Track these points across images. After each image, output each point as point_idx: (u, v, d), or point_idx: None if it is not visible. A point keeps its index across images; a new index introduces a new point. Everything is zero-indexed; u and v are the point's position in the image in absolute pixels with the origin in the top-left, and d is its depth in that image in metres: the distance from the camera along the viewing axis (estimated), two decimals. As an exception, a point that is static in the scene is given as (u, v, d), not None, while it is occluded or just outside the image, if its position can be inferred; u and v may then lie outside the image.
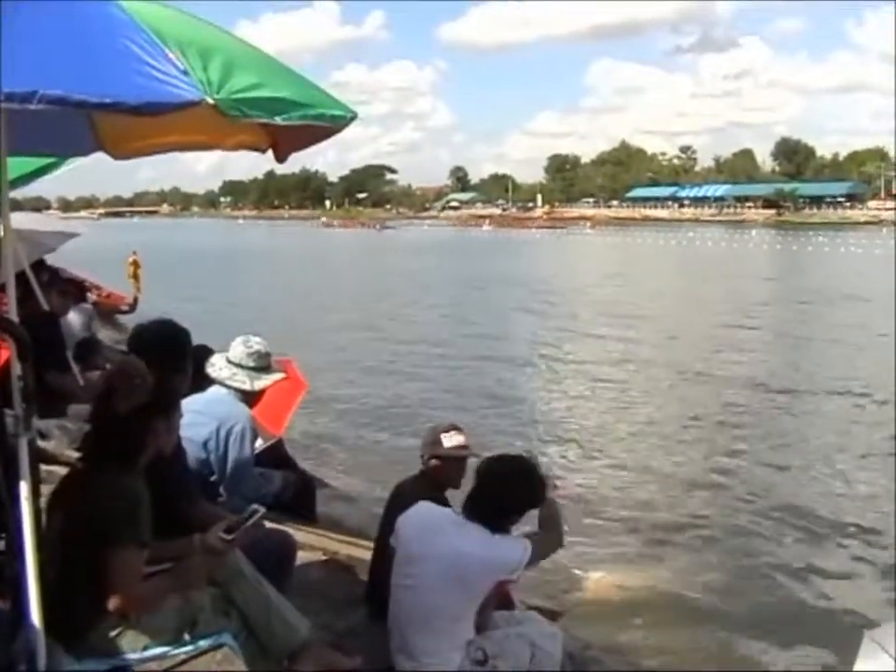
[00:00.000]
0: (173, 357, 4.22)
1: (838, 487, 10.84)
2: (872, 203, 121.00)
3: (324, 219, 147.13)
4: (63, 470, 4.09)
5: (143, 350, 4.04)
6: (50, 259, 9.70)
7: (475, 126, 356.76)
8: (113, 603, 3.11)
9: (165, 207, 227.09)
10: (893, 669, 2.92)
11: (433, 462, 4.73)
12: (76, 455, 3.70)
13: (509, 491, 3.96)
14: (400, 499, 4.64)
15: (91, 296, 18.96)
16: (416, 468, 4.90)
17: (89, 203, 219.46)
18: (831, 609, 7.56)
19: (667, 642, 6.94)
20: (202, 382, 5.12)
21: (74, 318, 9.28)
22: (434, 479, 4.72)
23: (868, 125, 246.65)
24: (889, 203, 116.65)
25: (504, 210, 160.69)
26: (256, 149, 3.73)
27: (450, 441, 4.71)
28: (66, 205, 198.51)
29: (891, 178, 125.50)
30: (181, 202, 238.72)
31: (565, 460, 12.01)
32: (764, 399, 15.89)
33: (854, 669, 3.07)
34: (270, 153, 3.67)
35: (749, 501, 10.31)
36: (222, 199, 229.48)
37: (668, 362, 19.64)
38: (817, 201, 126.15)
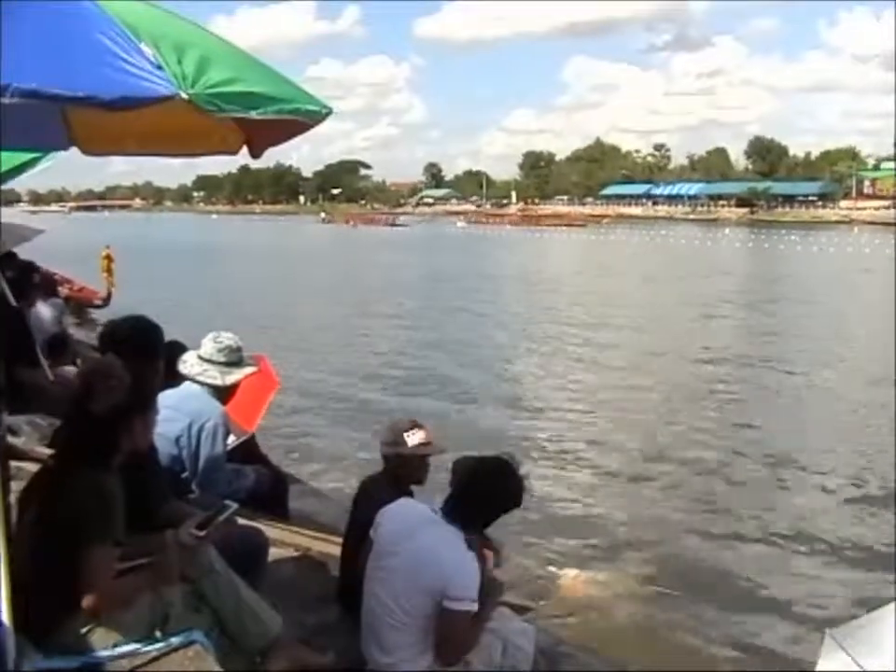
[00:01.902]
0: (146, 354, 4.19)
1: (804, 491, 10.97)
2: (843, 203, 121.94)
3: (323, 214, 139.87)
4: (33, 467, 4.06)
5: (116, 347, 4.01)
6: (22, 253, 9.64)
7: (450, 122, 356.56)
8: (86, 601, 3.09)
9: (138, 201, 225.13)
10: (853, 670, 2.94)
11: (397, 461, 4.68)
12: (46, 451, 3.68)
13: (490, 493, 3.96)
14: (366, 496, 4.64)
15: (63, 290, 18.85)
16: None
17: (60, 197, 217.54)
18: (798, 608, 7.62)
19: (641, 639, 6.99)
20: (174, 378, 5.09)
21: (44, 312, 9.22)
22: (399, 476, 4.69)
23: (839, 125, 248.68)
24: (861, 203, 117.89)
25: (478, 207, 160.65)
26: (227, 152, 3.72)
27: (413, 438, 4.64)
28: (37, 198, 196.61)
29: (863, 178, 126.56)
30: (154, 196, 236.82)
31: (539, 456, 12.05)
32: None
33: (816, 670, 3.09)
34: (243, 150, 3.66)
35: (722, 499, 10.40)
36: (195, 193, 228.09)
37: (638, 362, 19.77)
38: (789, 199, 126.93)
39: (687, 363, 19.76)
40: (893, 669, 2.93)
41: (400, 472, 4.68)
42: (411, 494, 4.62)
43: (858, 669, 2.97)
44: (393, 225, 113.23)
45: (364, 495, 4.75)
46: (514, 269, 45.97)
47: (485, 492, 3.96)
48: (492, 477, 4.01)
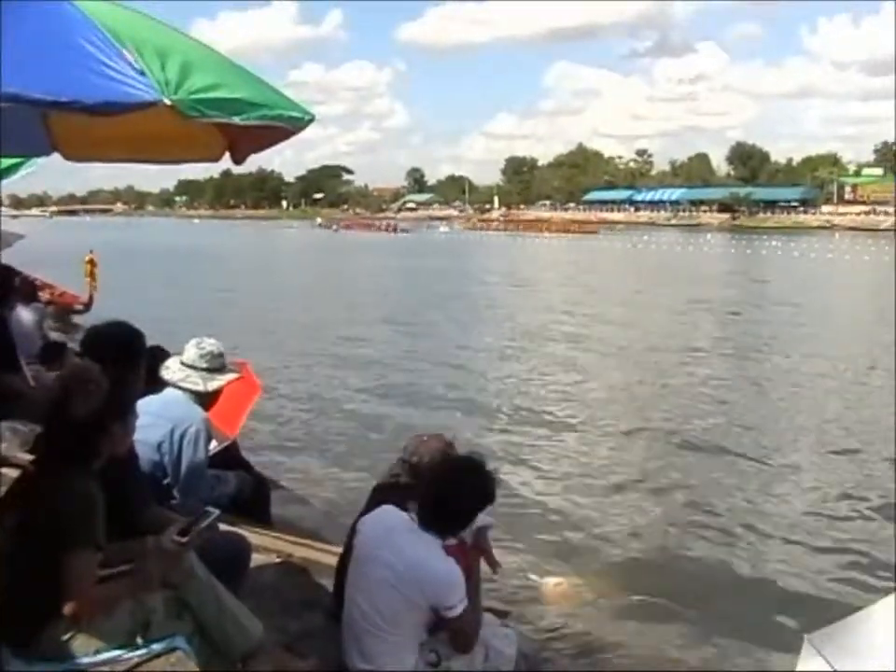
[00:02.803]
0: (127, 360, 4.19)
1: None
2: (825, 209, 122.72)
3: (319, 220, 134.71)
4: (13, 473, 4.05)
5: (97, 352, 4.00)
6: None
7: (433, 127, 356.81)
8: (67, 607, 3.08)
9: (119, 206, 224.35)
10: None
11: (413, 472, 4.64)
12: (27, 457, 3.66)
13: (459, 494, 3.95)
14: (375, 500, 4.61)
15: (44, 295, 18.76)
16: (372, 470, 4.87)
17: (41, 201, 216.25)
18: (782, 611, 7.65)
19: (622, 644, 7.00)
20: (157, 384, 5.08)
21: (26, 317, 9.18)
22: (412, 485, 4.67)
23: (820, 131, 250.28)
24: (842, 209, 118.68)
25: (461, 212, 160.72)
26: (210, 159, 3.72)
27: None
28: (18, 203, 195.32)
29: (844, 184, 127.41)
30: (135, 200, 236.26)
31: (520, 460, 12.07)
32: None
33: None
34: (226, 156, 3.66)
35: (704, 502, 10.42)
36: (177, 198, 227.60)
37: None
38: (771, 205, 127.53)
39: (672, 357, 19.98)
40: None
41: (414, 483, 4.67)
42: None
43: (835, 673, 2.98)
44: (395, 231, 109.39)
45: (376, 500, 4.70)
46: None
47: (456, 494, 3.95)
48: (461, 478, 4.00)
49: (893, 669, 2.93)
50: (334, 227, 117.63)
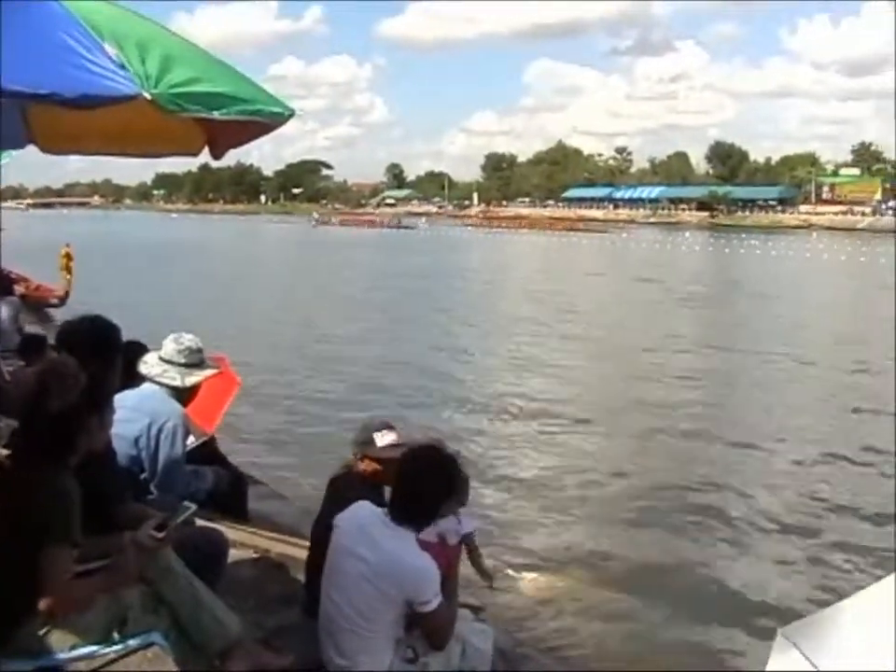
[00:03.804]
0: (104, 354, 4.17)
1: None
2: (803, 208, 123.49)
3: (316, 215, 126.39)
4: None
5: (73, 346, 3.99)
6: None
7: (413, 123, 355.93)
8: (43, 603, 3.07)
9: (97, 199, 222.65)
10: (806, 670, 2.95)
11: (366, 461, 4.70)
12: (3, 452, 3.64)
13: (425, 484, 3.92)
14: (337, 495, 4.62)
15: (19, 288, 18.65)
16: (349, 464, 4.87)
17: (17, 193, 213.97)
18: (753, 607, 7.70)
19: (599, 641, 7.03)
20: (135, 379, 5.07)
21: (2, 312, 9.12)
22: (368, 477, 4.69)
23: (799, 130, 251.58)
24: (820, 208, 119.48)
25: (440, 208, 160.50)
26: (189, 153, 3.70)
27: (382, 440, 4.67)
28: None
29: (822, 184, 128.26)
30: (113, 194, 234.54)
31: (497, 458, 12.10)
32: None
33: (767, 669, 3.08)
34: (205, 150, 3.65)
35: (681, 499, 10.48)
36: (155, 192, 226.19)
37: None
38: (749, 204, 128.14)
39: (648, 355, 20.11)
40: (847, 669, 2.95)
41: (369, 473, 4.67)
42: (382, 495, 4.61)
43: (811, 669, 2.97)
44: (399, 227, 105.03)
45: (334, 494, 4.72)
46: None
47: (419, 483, 3.93)
48: (421, 466, 3.99)
49: (869, 662, 2.95)
50: (312, 222, 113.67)
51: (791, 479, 11.37)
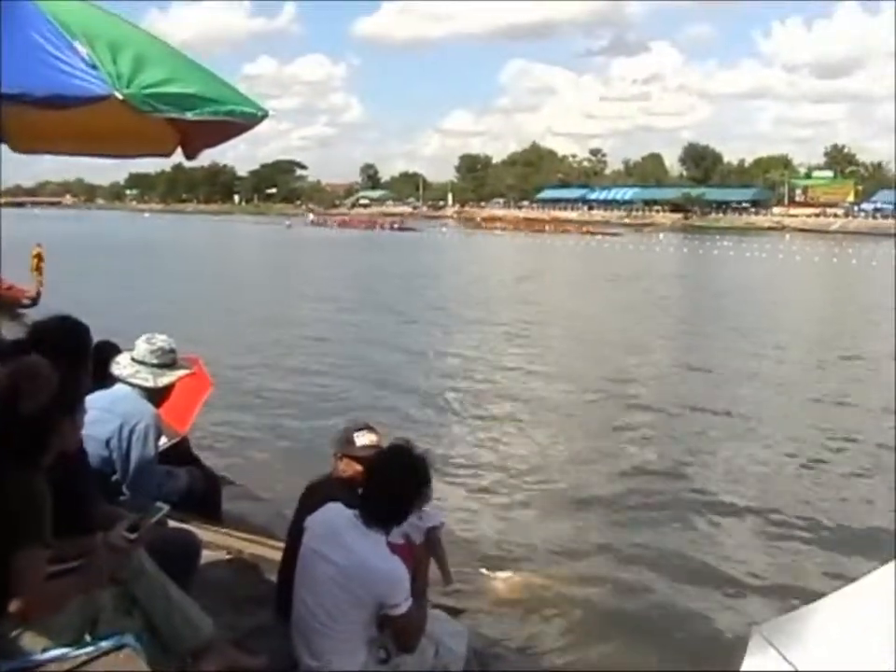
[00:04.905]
0: (73, 354, 4.15)
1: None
2: (776, 210, 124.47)
3: (311, 217, 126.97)
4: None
5: (44, 347, 3.96)
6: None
7: (388, 123, 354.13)
8: (14, 604, 3.05)
9: (69, 198, 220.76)
10: (783, 669, 2.95)
11: (345, 460, 4.68)
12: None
13: (396, 486, 3.91)
14: (311, 499, 4.60)
15: (-10, 289, 18.52)
16: (323, 466, 4.87)
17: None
18: (729, 607, 7.74)
19: (573, 641, 7.05)
20: (106, 379, 5.04)
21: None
22: (346, 478, 4.67)
23: (772, 132, 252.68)
24: (793, 210, 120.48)
25: (415, 209, 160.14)
26: (161, 154, 3.69)
27: (361, 440, 4.65)
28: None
29: (795, 186, 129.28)
30: (85, 193, 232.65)
31: (471, 461, 12.11)
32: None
33: (742, 669, 3.08)
34: (178, 151, 3.64)
35: (658, 495, 10.55)
36: (128, 191, 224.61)
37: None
38: (723, 206, 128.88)
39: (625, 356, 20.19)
40: (824, 668, 2.96)
41: (348, 474, 4.65)
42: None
43: (788, 668, 2.97)
44: (401, 229, 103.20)
45: (309, 497, 4.68)
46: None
47: (394, 485, 3.92)
48: (389, 468, 3.98)
49: (847, 661, 2.95)
50: (287, 223, 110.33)
51: (760, 468, 11.64)
